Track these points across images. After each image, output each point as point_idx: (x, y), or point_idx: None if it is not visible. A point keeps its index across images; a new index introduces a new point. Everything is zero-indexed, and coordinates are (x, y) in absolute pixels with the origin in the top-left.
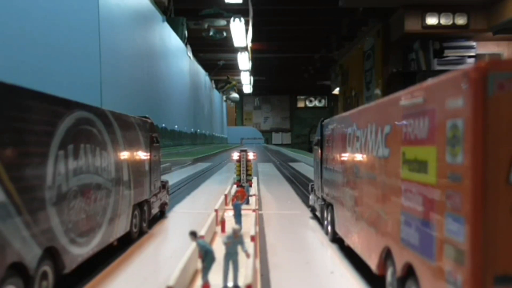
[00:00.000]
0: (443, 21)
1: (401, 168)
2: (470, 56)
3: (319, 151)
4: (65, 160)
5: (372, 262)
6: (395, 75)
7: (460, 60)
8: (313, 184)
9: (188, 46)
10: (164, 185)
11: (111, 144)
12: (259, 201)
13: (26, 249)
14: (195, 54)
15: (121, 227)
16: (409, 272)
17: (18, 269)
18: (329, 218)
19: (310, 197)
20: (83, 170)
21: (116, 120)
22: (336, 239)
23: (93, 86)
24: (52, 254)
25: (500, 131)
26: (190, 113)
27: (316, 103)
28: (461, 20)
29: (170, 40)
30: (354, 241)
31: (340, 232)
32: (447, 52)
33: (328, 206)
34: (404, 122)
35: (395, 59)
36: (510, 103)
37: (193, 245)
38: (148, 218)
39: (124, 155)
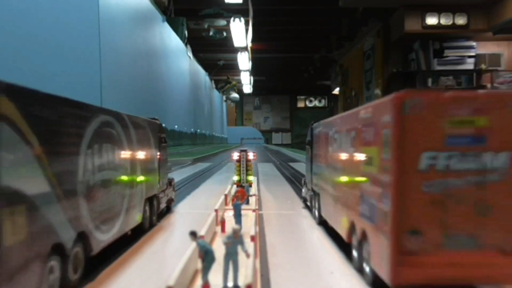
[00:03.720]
0: (443, 21)
1: (361, 164)
2: (470, 56)
3: (310, 150)
4: (92, 158)
5: (344, 234)
6: (395, 75)
7: (460, 60)
8: (305, 179)
9: (188, 46)
10: (170, 182)
11: (127, 144)
12: (259, 201)
13: (64, 233)
14: (195, 54)
15: (135, 219)
16: (363, 236)
17: (58, 249)
18: (316, 205)
19: (303, 189)
20: (105, 166)
21: (132, 122)
22: (322, 222)
23: (93, 86)
24: (82, 238)
25: (411, 136)
26: (190, 113)
27: (316, 103)
28: (461, 20)
29: (170, 40)
30: (333, 221)
31: (324, 215)
32: (447, 52)
33: (316, 195)
34: (364, 129)
35: (395, 59)
36: (417, 119)
37: (193, 245)
38: (157, 212)
39: (138, 154)
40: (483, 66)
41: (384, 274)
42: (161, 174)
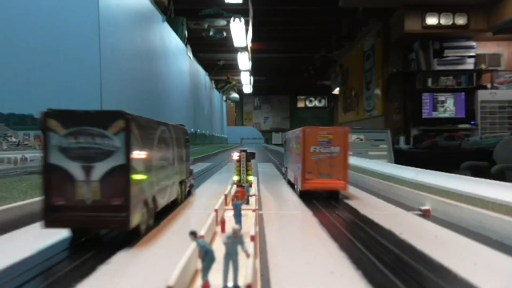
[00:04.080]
0: (443, 21)
1: (296, 150)
2: (470, 56)
3: (284, 146)
4: (157, 151)
5: (293, 181)
6: (395, 75)
7: (460, 60)
8: (284, 162)
9: (188, 46)
10: (191, 172)
11: (171, 144)
12: (259, 201)
13: (148, 193)
14: (195, 54)
15: (174, 194)
16: (296, 179)
17: (146, 202)
18: (286, 174)
19: (283, 169)
20: (163, 158)
21: (173, 128)
22: (288, 182)
23: (93, 86)
24: (154, 199)
25: (308, 141)
26: (190, 113)
27: (316, 103)
28: (461, 20)
29: (170, 40)
30: (290, 177)
31: (288, 177)
32: (447, 52)
33: (287, 169)
34: (297, 138)
35: (395, 59)
36: (309, 136)
37: (193, 245)
38: (184, 192)
39: (176, 150)
40: (483, 66)
41: (300, 187)
42: (186, 165)
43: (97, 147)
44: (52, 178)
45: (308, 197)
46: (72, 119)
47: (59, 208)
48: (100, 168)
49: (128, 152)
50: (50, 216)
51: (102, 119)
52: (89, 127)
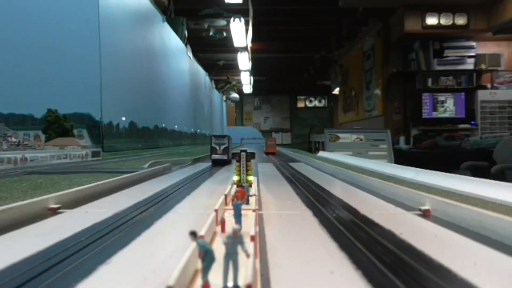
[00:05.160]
0: (443, 21)
1: (266, 142)
2: (470, 56)
3: (264, 143)
4: (229, 145)
5: (265, 150)
6: (395, 75)
7: (460, 60)
8: (264, 147)
9: (188, 46)
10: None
11: (229, 143)
12: (259, 201)
13: (229, 154)
14: (195, 54)
15: (230, 158)
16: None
17: (229, 156)
18: (264, 149)
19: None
20: (231, 146)
21: (230, 138)
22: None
23: (93, 86)
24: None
25: (268, 141)
26: (190, 113)
27: (316, 103)
28: (461, 20)
29: (170, 40)
30: (264, 149)
31: (265, 150)
32: (447, 52)
33: (263, 146)
34: (267, 140)
35: (395, 59)
36: (268, 141)
37: (193, 245)
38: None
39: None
40: (483, 66)
41: (265, 151)
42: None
43: (222, 142)
44: (212, 149)
45: (268, 155)
46: (217, 136)
47: (213, 156)
48: (222, 147)
49: (228, 144)
50: (212, 158)
51: (223, 136)
52: (221, 138)
